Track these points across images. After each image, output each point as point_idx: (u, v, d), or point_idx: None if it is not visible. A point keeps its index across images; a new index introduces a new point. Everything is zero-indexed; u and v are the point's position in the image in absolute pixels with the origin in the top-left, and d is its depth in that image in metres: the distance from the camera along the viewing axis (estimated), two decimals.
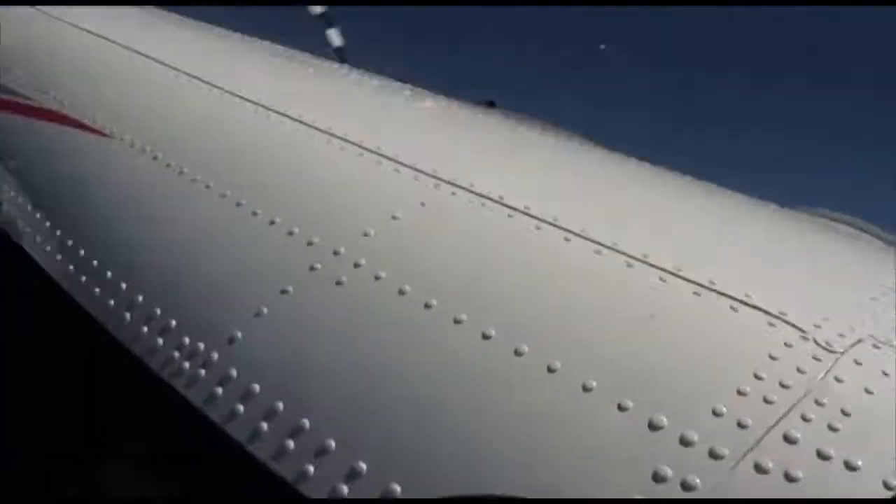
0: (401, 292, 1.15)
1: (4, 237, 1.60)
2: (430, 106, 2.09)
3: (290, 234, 1.29)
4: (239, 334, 1.15)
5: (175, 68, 1.88)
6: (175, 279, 1.29)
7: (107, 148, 1.60)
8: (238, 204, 1.39)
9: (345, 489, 0.94)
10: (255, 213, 1.35)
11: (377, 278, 1.18)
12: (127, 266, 1.33)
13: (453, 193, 1.40)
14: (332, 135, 1.60)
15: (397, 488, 0.92)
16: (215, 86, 1.82)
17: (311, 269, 1.22)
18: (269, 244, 1.29)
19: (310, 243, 1.26)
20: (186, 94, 1.81)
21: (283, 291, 1.19)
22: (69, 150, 1.64)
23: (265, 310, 1.17)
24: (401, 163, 1.49)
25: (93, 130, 1.57)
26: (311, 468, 0.97)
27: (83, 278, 1.35)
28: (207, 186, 1.44)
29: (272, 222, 1.32)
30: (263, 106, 1.71)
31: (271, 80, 2.11)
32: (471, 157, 1.71)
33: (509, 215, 1.32)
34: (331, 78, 2.24)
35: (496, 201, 1.36)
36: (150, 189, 1.50)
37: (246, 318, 1.16)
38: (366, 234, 1.28)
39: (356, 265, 1.21)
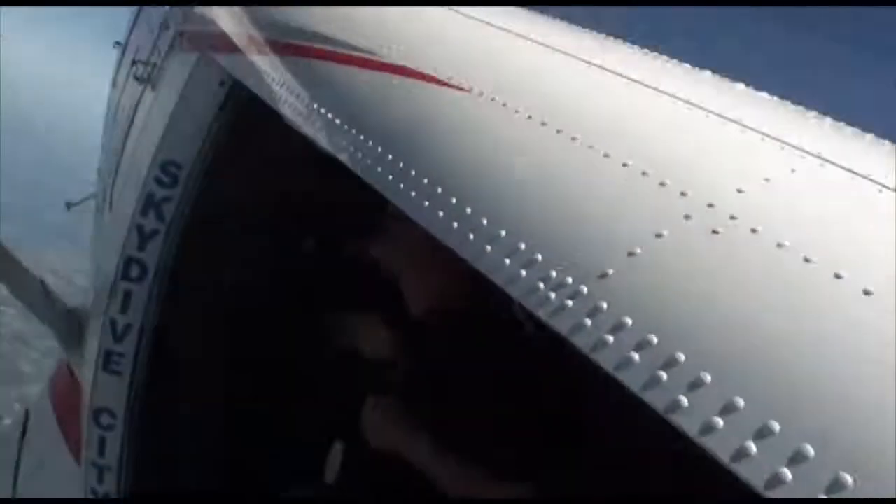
0: (779, 245, 1.12)
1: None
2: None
3: (662, 185, 1.29)
4: (610, 271, 1.16)
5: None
6: (543, 221, 1.33)
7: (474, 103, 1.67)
8: (606, 155, 1.41)
9: (720, 422, 0.92)
10: (624, 165, 1.36)
11: (754, 231, 1.15)
12: (494, 207, 1.39)
13: (821, 165, 1.39)
14: (692, 104, 1.61)
15: (776, 426, 0.89)
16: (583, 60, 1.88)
17: (686, 217, 1.20)
18: (641, 192, 1.29)
19: (683, 194, 1.26)
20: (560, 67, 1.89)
21: (658, 235, 1.18)
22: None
23: (639, 250, 1.17)
24: (765, 133, 1.48)
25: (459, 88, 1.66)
26: (685, 399, 0.95)
27: (455, 224, 1.41)
28: (573, 138, 1.48)
29: (644, 173, 1.33)
30: (634, 80, 1.74)
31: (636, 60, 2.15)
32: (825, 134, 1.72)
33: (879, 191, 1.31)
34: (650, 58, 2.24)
35: (863, 176, 1.35)
36: (520, 144, 1.55)
37: (619, 256, 1.17)
38: (739, 191, 1.26)
39: (732, 217, 1.19)
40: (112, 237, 2.83)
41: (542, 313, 1.17)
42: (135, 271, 2.63)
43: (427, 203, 1.49)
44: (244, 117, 2.47)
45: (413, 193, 1.50)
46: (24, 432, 4.41)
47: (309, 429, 3.02)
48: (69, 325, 4.17)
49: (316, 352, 2.63)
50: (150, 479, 3.16)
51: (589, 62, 1.86)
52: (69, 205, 7.05)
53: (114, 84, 5.91)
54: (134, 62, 3.09)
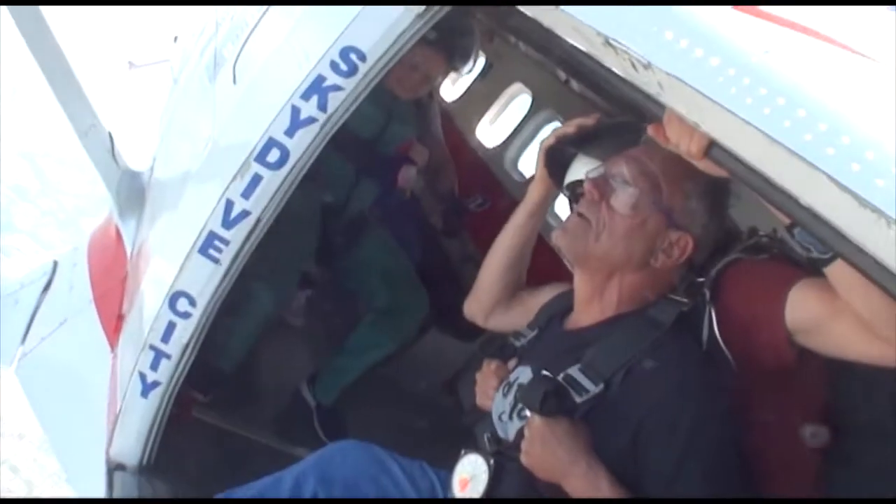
0: None
1: None
2: None
3: None
4: None
5: None
6: None
7: None
8: None
9: None
10: None
11: None
12: None
13: None
14: None
15: None
16: None
17: None
18: None
19: None
20: None
21: None
22: None
23: None
24: None
25: None
26: None
27: None
28: None
29: None
30: None
31: None
32: None
33: None
34: None
35: None
36: None
37: None
38: None
39: None
40: (252, 112, 2.52)
41: None
42: (274, 155, 2.33)
43: None
44: None
45: None
46: (48, 285, 4.13)
47: None
48: (130, 187, 3.90)
49: None
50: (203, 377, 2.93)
51: None
52: (132, 65, 6.71)
53: None
54: None
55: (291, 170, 2.38)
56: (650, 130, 1.71)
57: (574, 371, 1.80)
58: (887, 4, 1.50)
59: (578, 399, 1.77)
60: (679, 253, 1.89)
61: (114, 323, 3.39)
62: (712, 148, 1.44)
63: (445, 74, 3.72)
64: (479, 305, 2.42)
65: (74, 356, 3.72)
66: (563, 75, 4.13)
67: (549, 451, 1.75)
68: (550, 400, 1.76)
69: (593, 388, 1.76)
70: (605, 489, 1.69)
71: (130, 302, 3.20)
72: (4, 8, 3.29)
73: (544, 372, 1.88)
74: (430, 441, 2.15)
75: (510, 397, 1.96)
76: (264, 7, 3.08)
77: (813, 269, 1.63)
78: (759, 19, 1.35)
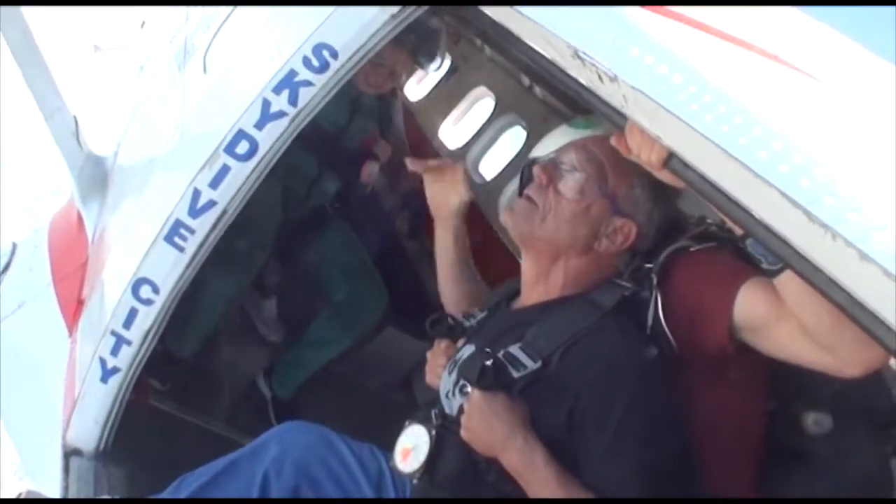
0: None
1: None
2: None
3: None
4: None
5: None
6: None
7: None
8: None
9: None
10: None
11: None
12: None
13: None
14: None
15: None
16: None
17: None
18: None
19: None
20: None
21: None
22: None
23: None
24: None
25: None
26: None
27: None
28: None
29: None
30: None
31: None
32: None
33: None
34: None
35: None
36: None
37: None
38: None
39: None
40: (222, 102, 2.54)
41: None
42: (243, 147, 2.36)
43: None
44: None
45: None
46: (6, 267, 4.10)
47: None
48: (93, 172, 3.89)
49: None
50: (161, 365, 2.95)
51: None
52: (97, 48, 6.65)
53: None
54: None
55: (259, 162, 2.41)
56: (613, 140, 1.77)
57: (514, 349, 1.85)
58: (885, 5, 1.54)
59: (516, 374, 1.82)
60: (622, 239, 1.95)
61: (73, 307, 3.38)
62: (671, 159, 1.50)
63: (410, 72, 3.75)
64: (454, 311, 2.45)
65: (32, 339, 3.70)
66: (526, 81, 4.19)
67: (486, 425, 1.78)
68: (488, 374, 1.81)
69: (532, 365, 1.81)
70: (540, 464, 1.72)
71: (91, 287, 3.20)
72: None
73: (486, 349, 1.91)
74: (381, 434, 2.18)
75: (454, 375, 2.00)
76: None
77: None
78: (722, 41, 1.41)
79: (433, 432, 1.93)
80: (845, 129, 1.20)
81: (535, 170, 2.01)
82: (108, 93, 6.09)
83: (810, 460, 1.96)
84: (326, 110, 2.45)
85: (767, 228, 1.23)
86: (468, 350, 2.05)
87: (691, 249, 1.92)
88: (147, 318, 2.64)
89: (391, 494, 2.18)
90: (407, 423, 2.03)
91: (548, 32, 1.62)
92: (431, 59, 3.52)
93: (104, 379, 2.74)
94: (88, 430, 2.86)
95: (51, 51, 4.02)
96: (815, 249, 1.14)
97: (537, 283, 2.04)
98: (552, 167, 1.98)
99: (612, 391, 1.74)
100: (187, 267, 2.55)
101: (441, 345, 2.20)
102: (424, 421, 1.98)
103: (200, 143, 2.51)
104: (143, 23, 5.96)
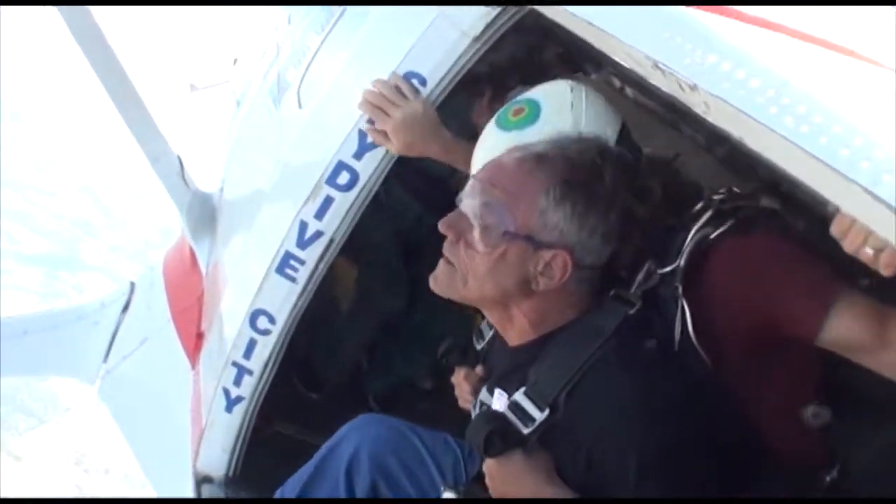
0: None
1: None
2: None
3: None
4: None
5: None
6: None
7: None
8: None
9: None
10: None
11: None
12: None
13: None
14: None
15: None
16: None
17: None
18: None
19: None
20: None
21: None
22: None
23: None
24: None
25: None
26: None
27: None
28: None
29: None
30: None
31: None
32: None
33: None
34: None
35: None
36: None
37: None
38: None
39: None
40: (319, 136, 2.63)
41: None
42: (344, 178, 2.44)
43: None
44: None
45: None
46: (126, 305, 4.30)
47: None
48: (201, 209, 4.04)
49: None
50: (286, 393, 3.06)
51: None
52: (193, 87, 6.90)
53: None
54: None
55: (361, 191, 2.49)
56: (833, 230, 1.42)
57: (519, 396, 1.73)
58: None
59: (525, 430, 1.70)
60: (560, 272, 1.73)
61: (193, 341, 3.54)
62: None
63: None
64: None
65: (155, 373, 3.88)
66: (617, 83, 4.18)
67: (510, 488, 1.73)
68: (495, 442, 1.70)
69: (539, 415, 1.68)
70: None
71: (209, 320, 3.34)
72: (75, 43, 3.46)
73: (487, 405, 1.87)
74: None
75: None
76: (325, 31, 3.20)
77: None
78: (795, 39, 1.41)
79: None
80: None
81: (441, 226, 1.82)
82: (207, 130, 6.31)
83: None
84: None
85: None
86: (485, 397, 1.97)
87: (712, 237, 1.73)
88: (265, 347, 2.75)
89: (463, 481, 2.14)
90: (442, 488, 1.99)
91: (627, 46, 1.64)
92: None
93: (229, 409, 2.87)
94: (217, 457, 2.99)
95: (148, 92, 4.21)
96: None
97: (507, 330, 1.88)
98: (457, 219, 1.79)
99: (622, 440, 1.64)
100: (300, 296, 2.65)
101: (461, 373, 2.14)
102: (454, 487, 1.96)
103: (302, 176, 2.61)
104: (236, 60, 6.15)
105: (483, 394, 1.99)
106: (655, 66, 1.57)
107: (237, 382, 2.82)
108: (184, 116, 7.57)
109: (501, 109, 2.07)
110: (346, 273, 3.50)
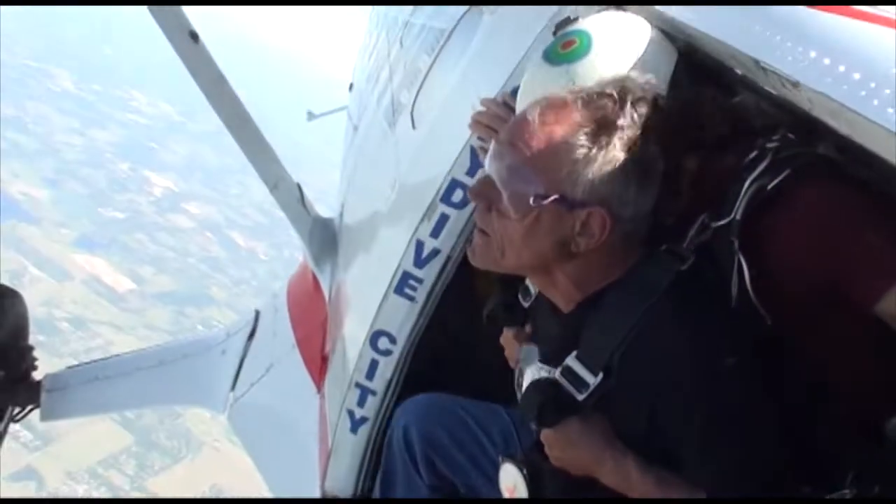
0: None
1: None
2: None
3: None
4: None
5: None
6: None
7: None
8: None
9: None
10: None
11: None
12: None
13: None
14: None
15: None
16: None
17: None
18: None
19: None
20: None
21: None
22: None
23: None
24: None
25: None
26: None
27: None
28: None
29: None
30: None
31: None
32: None
33: None
34: None
35: None
36: None
37: None
38: None
39: None
40: (433, 155, 2.64)
41: None
42: (458, 195, 2.43)
43: None
44: None
45: None
46: (252, 333, 4.40)
47: None
48: (322, 235, 4.11)
49: None
50: None
51: None
52: (310, 115, 7.07)
53: None
54: None
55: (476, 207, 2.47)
56: None
57: (571, 360, 1.68)
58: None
59: (580, 396, 1.66)
60: (599, 230, 1.61)
61: (318, 364, 3.59)
62: None
63: None
64: None
65: (282, 398, 3.96)
66: None
67: (569, 455, 1.70)
68: (548, 411, 1.67)
69: (593, 380, 1.63)
70: (636, 477, 1.61)
71: (333, 343, 3.38)
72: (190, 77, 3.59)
73: (542, 372, 1.78)
74: None
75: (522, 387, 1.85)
76: (434, 52, 3.23)
77: None
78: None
79: (524, 471, 1.82)
80: None
81: (469, 194, 1.79)
82: (325, 155, 6.45)
83: None
84: None
85: None
86: (530, 355, 1.89)
87: (769, 187, 1.60)
88: (387, 368, 2.76)
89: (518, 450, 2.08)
90: (500, 460, 1.92)
91: (732, 49, 1.58)
92: None
93: (354, 429, 2.89)
94: (344, 478, 3.01)
95: (265, 122, 4.32)
96: None
97: (554, 295, 1.79)
98: (487, 186, 1.70)
99: (687, 395, 1.58)
100: (420, 315, 2.65)
101: (509, 333, 2.09)
102: (513, 458, 1.89)
103: (418, 196, 2.62)
104: (351, 85, 6.29)
105: (526, 353, 1.93)
106: (758, 65, 1.51)
107: (361, 403, 2.84)
108: (302, 144, 7.76)
109: (550, 43, 1.91)
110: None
